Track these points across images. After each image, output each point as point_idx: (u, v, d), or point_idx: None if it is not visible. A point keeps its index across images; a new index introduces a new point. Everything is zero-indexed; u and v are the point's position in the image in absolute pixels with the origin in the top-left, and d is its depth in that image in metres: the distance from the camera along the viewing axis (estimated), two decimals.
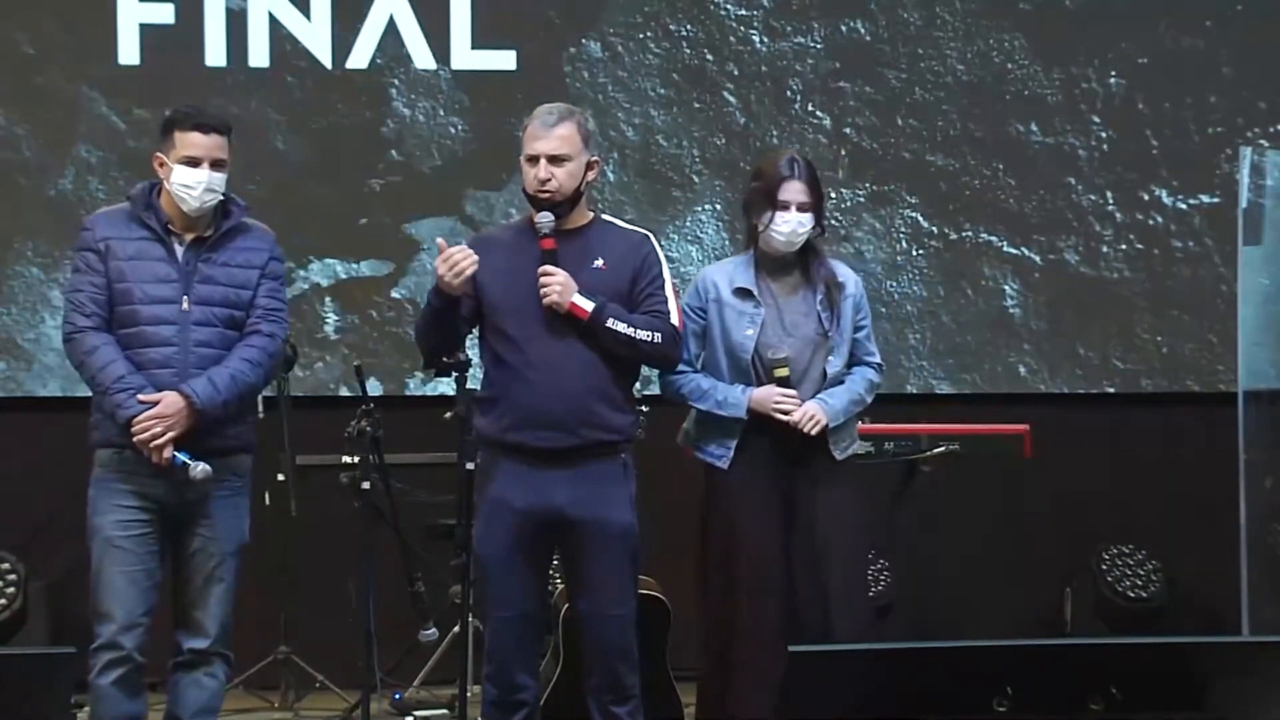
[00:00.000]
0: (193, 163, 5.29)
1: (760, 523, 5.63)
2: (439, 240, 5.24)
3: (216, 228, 5.38)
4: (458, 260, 5.16)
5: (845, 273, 5.81)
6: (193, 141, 5.31)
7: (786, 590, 5.62)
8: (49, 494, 7.03)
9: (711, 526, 5.72)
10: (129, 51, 7.40)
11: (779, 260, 5.71)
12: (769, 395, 5.62)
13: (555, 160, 5.23)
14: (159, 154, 5.37)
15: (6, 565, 7.26)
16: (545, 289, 5.20)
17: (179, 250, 5.34)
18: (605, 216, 5.43)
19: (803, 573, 5.63)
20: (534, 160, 5.24)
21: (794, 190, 5.66)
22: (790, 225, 5.65)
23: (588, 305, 5.20)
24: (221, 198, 5.37)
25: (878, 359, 5.85)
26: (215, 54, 7.45)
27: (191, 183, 5.29)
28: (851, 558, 5.73)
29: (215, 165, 5.32)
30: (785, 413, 5.60)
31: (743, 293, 5.68)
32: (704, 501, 5.76)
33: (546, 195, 5.24)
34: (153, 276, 5.31)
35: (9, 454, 7.34)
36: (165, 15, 7.43)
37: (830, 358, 5.69)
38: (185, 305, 5.30)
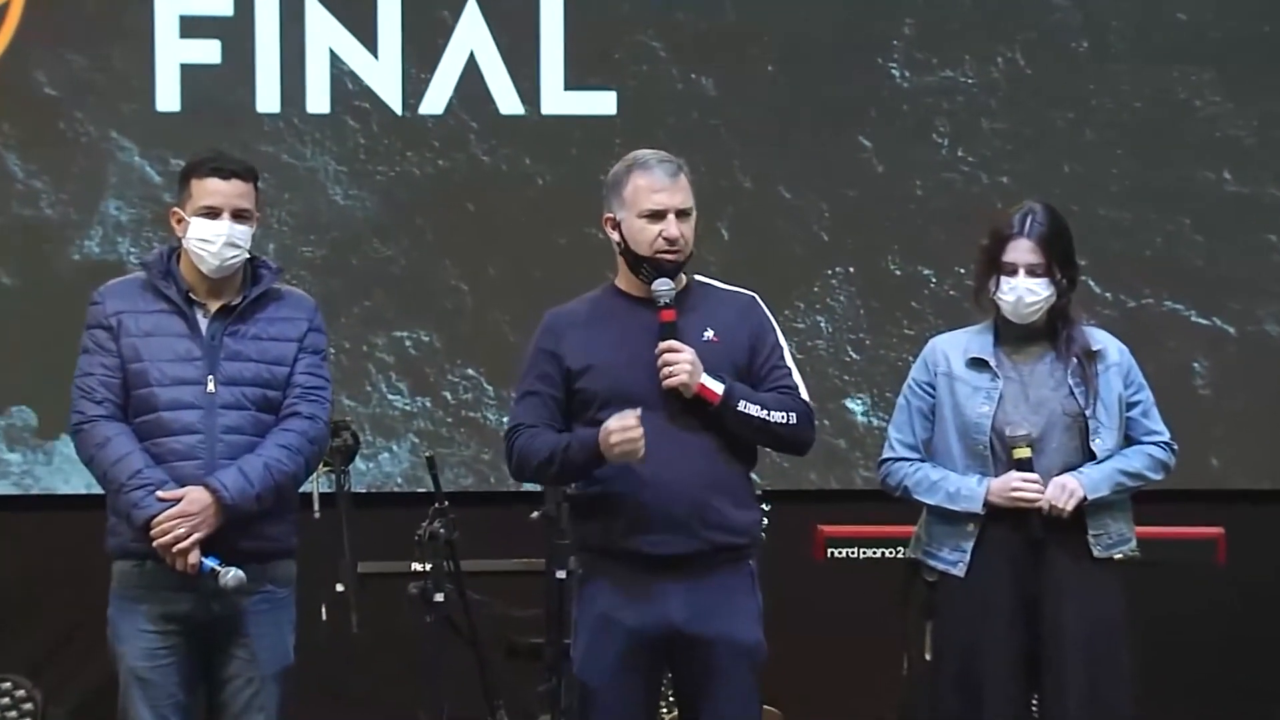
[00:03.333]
0: (211, 213, 5.21)
1: (997, 639, 5.49)
2: (632, 412, 5.11)
3: (245, 295, 5.29)
4: (637, 439, 5.07)
5: (1104, 340, 5.65)
6: (210, 189, 5.23)
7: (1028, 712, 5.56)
8: (69, 606, 7.02)
9: (944, 644, 5.61)
10: (168, 96, 7.37)
11: (1023, 328, 5.57)
12: (1007, 483, 5.46)
13: (682, 215, 5.21)
14: (175, 209, 5.30)
15: (22, 692, 7.18)
16: (671, 369, 5.11)
17: (203, 323, 5.26)
18: (700, 278, 5.36)
19: (1048, 696, 5.51)
20: (658, 216, 5.18)
21: (1020, 250, 5.51)
22: (1015, 293, 5.51)
23: (718, 387, 5.13)
24: (247, 255, 5.28)
25: (1165, 436, 5.65)
26: (268, 99, 7.41)
27: (210, 236, 5.20)
28: (1099, 679, 5.50)
29: (238, 216, 5.23)
30: (1029, 501, 5.43)
31: (978, 363, 5.59)
32: (931, 614, 5.65)
33: (674, 256, 5.18)
34: (172, 354, 5.22)
35: (25, 560, 7.30)
36: (210, 54, 7.38)
37: (1095, 440, 5.52)
38: (211, 386, 5.22)
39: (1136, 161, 7.69)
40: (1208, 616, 7.58)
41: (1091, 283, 7.50)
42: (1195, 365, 7.73)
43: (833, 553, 6.67)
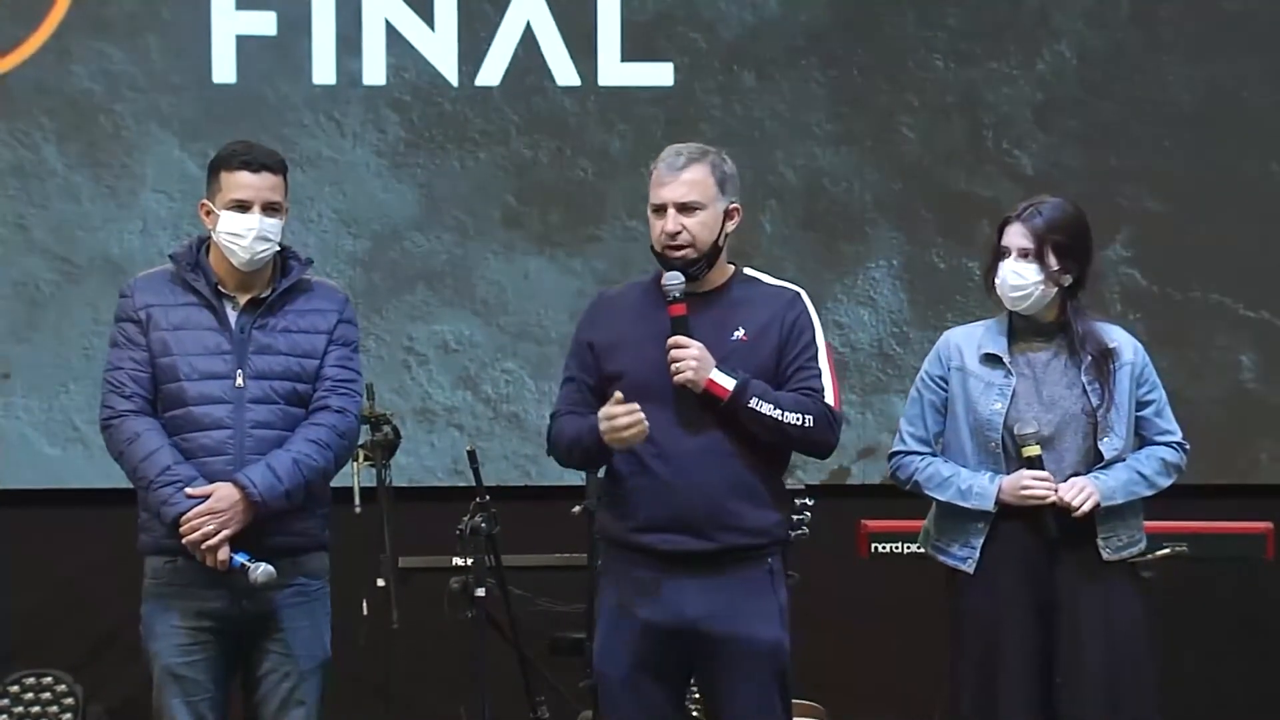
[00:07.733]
0: (241, 207, 5.23)
1: (1014, 638, 5.44)
2: (616, 394, 5.07)
3: (274, 287, 5.29)
4: (626, 424, 5.03)
5: (1119, 337, 5.60)
6: (241, 182, 5.24)
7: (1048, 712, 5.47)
8: (111, 603, 6.97)
9: (961, 642, 5.56)
10: (224, 68, 7.41)
11: (1036, 324, 5.54)
12: (1017, 481, 5.43)
13: (685, 209, 5.12)
14: (205, 202, 5.32)
15: (63, 687, 7.22)
16: (677, 365, 5.06)
17: (232, 316, 5.27)
18: (748, 271, 5.30)
19: (1065, 696, 5.44)
20: (660, 210, 5.15)
21: (1012, 234, 5.50)
22: (1002, 274, 5.49)
23: (728, 383, 5.06)
24: (278, 248, 5.29)
25: (1178, 436, 5.60)
26: (323, 70, 7.45)
27: (241, 230, 5.22)
28: (1119, 682, 5.45)
29: (268, 209, 5.25)
30: (1040, 498, 5.40)
31: (991, 359, 5.54)
32: (950, 613, 5.59)
33: (678, 252, 5.13)
34: (201, 348, 5.24)
35: (65, 556, 7.29)
36: (266, 25, 7.43)
37: (1104, 440, 5.48)
38: (240, 380, 5.23)
39: (1183, 153, 7.64)
40: (1258, 611, 7.55)
41: (1137, 275, 7.59)
42: (1243, 359, 7.66)
43: (876, 548, 6.67)
